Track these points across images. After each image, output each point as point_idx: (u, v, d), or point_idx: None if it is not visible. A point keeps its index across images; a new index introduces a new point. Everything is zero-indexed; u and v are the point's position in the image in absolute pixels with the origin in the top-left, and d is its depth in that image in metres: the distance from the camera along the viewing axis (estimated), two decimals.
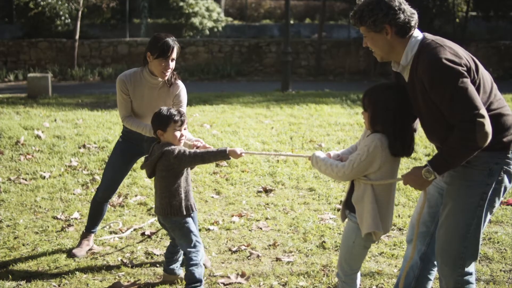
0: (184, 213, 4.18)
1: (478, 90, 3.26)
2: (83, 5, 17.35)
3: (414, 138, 3.56)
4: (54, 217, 5.79)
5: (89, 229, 5.13)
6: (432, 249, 3.75)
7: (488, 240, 5.21)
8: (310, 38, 22.55)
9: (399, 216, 5.86)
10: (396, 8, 3.36)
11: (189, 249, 4.17)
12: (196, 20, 22.22)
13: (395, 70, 3.57)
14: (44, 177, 6.97)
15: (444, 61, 3.19)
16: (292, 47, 19.74)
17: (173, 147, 4.08)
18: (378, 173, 3.47)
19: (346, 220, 3.72)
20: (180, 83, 4.86)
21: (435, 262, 3.78)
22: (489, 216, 3.48)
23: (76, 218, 5.75)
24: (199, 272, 4.12)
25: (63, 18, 19.27)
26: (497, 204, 3.46)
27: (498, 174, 3.36)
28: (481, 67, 3.36)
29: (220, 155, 4.10)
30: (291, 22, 26.77)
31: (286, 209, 6.04)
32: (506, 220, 5.65)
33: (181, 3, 22.32)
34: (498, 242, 5.16)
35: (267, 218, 5.79)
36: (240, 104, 12.77)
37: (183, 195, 4.18)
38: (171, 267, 4.45)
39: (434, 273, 3.88)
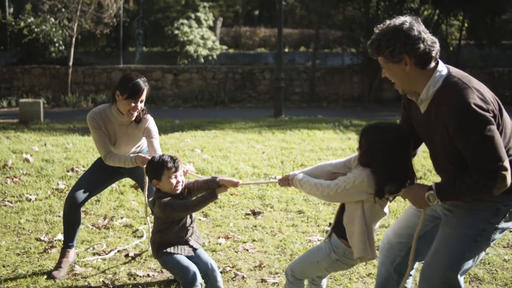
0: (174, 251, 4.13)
1: (500, 134, 3.15)
2: (77, 32, 17.37)
3: (413, 172, 3.45)
4: (37, 239, 5.68)
5: (66, 243, 4.98)
6: (407, 261, 3.69)
7: (479, 262, 5.09)
8: (304, 65, 22.58)
9: None
10: (415, 37, 3.17)
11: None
12: (191, 48, 22.30)
13: (410, 98, 3.41)
14: (30, 200, 6.87)
15: (473, 106, 3.03)
16: (286, 74, 19.80)
17: (164, 200, 3.97)
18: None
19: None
20: (147, 116, 4.83)
21: (411, 273, 3.78)
22: (482, 254, 3.38)
23: (60, 240, 5.63)
24: None
25: (57, 44, 19.31)
26: (491, 243, 3.37)
27: (504, 216, 3.28)
28: (504, 111, 3.25)
29: (211, 198, 3.99)
30: (286, 50, 26.89)
31: (274, 231, 5.94)
32: (497, 242, 5.56)
33: (176, 31, 22.43)
34: (489, 263, 5.06)
35: (254, 240, 5.69)
36: (232, 129, 12.73)
37: (171, 235, 4.11)
38: None
39: (410, 282, 3.83)
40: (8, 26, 19.97)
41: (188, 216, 4.13)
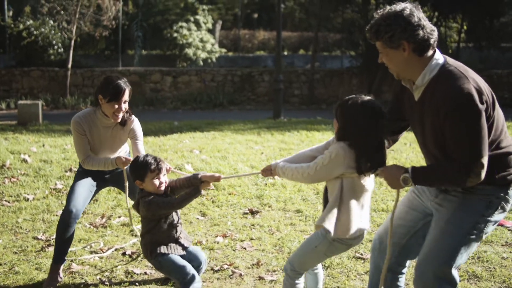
0: (169, 252, 4.10)
1: (491, 127, 3.18)
2: (76, 34, 17.38)
3: (384, 155, 3.51)
4: (35, 238, 5.66)
5: (58, 259, 4.68)
6: (400, 261, 3.72)
7: (477, 259, 5.09)
8: (303, 68, 22.59)
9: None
10: (415, 23, 3.17)
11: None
12: (190, 51, 22.31)
13: (405, 84, 3.42)
14: (27, 199, 6.85)
15: (467, 95, 3.04)
16: (285, 76, 19.80)
17: (148, 198, 3.98)
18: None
19: None
20: (133, 117, 4.83)
21: (403, 271, 3.78)
22: (475, 247, 3.39)
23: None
24: None
25: (56, 47, 19.31)
26: (484, 236, 3.38)
27: (496, 208, 3.30)
28: (497, 103, 3.25)
29: (195, 194, 3.99)
30: (285, 53, 26.92)
31: (272, 230, 5.92)
32: (496, 240, 5.55)
33: (175, 34, 22.43)
34: (487, 261, 5.05)
35: (251, 239, 5.67)
36: (231, 131, 12.71)
37: (163, 235, 4.10)
38: None
39: (403, 280, 3.82)
40: (7, 29, 19.98)
41: (174, 214, 4.12)
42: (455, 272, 3.33)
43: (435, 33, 3.24)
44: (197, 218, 6.30)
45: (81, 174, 4.90)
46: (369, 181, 3.57)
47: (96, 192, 4.98)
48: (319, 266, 3.94)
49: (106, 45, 23.31)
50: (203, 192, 4.02)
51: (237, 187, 7.47)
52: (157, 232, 4.05)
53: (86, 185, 4.82)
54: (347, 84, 21.08)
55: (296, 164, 3.64)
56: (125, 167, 4.74)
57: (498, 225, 5.89)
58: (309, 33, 28.68)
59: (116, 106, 4.57)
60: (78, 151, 4.74)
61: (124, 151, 5.05)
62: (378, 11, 3.32)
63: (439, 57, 3.27)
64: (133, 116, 4.83)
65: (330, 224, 3.47)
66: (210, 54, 23.48)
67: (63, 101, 18.71)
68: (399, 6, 3.23)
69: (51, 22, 18.69)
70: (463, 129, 3.07)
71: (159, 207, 3.95)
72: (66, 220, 4.63)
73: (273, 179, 7.80)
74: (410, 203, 3.68)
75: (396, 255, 3.70)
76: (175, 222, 4.12)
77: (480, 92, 3.09)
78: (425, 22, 3.21)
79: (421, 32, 3.18)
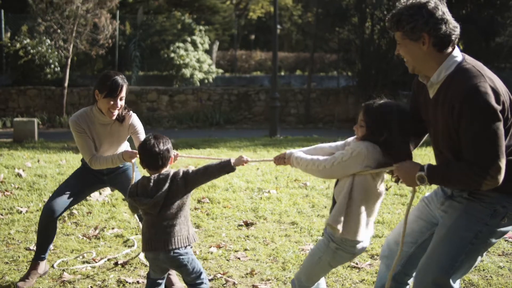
0: (189, 243, 3.82)
1: (508, 130, 3.06)
2: (72, 53, 17.41)
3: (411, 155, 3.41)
4: (27, 248, 5.60)
5: (39, 254, 4.80)
6: (407, 270, 3.62)
7: (473, 268, 5.03)
8: (300, 88, 22.62)
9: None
10: (439, 17, 3.08)
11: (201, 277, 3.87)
12: (187, 72, 22.32)
13: (421, 80, 3.33)
14: (20, 212, 6.80)
15: (483, 94, 2.93)
16: (282, 95, 19.82)
17: (175, 170, 3.75)
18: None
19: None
20: (131, 113, 4.75)
21: (408, 282, 3.67)
22: (479, 258, 3.26)
23: (49, 249, 5.55)
24: None
25: (52, 66, 19.32)
26: (489, 246, 3.26)
27: (502, 218, 3.16)
28: None
29: (225, 167, 3.80)
30: (282, 73, 26.98)
31: (266, 241, 5.87)
32: (492, 250, 5.50)
33: (172, 54, 22.46)
34: (483, 270, 5.00)
35: (246, 249, 5.62)
36: (227, 148, 12.69)
37: (188, 224, 3.81)
38: None
39: None
40: (4, 48, 20.01)
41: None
42: (454, 285, 3.21)
43: (458, 30, 3.15)
44: None
45: (79, 171, 4.91)
46: (382, 186, 3.48)
47: (93, 190, 4.99)
48: (322, 280, 3.81)
49: (104, 66, 23.31)
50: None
51: (232, 201, 7.43)
52: (187, 215, 3.79)
53: (76, 186, 4.81)
54: (343, 103, 21.08)
55: (311, 156, 3.55)
56: (133, 161, 4.64)
57: None
58: (306, 54, 28.77)
59: (112, 102, 4.50)
60: (83, 151, 4.67)
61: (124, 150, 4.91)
62: (402, 0, 3.21)
63: (458, 55, 3.17)
64: (131, 111, 4.75)
65: (338, 223, 3.37)
66: (207, 75, 23.49)
67: (60, 120, 18.67)
68: None
69: (48, 41, 18.73)
70: (478, 130, 2.94)
71: (189, 174, 3.70)
72: (45, 216, 4.71)
73: (268, 193, 7.77)
74: (419, 212, 3.59)
75: (403, 263, 3.61)
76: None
77: (496, 92, 2.98)
78: (449, 17, 3.12)
79: (443, 27, 3.09)
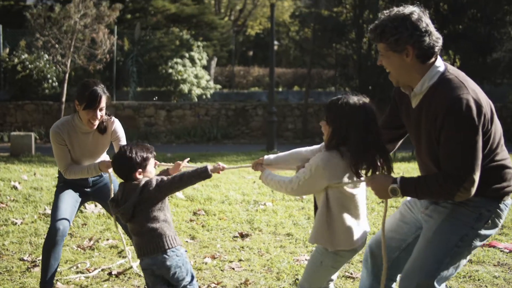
0: (180, 245, 3.78)
1: (488, 140, 3.10)
2: (70, 68, 17.43)
3: (387, 158, 3.35)
4: (21, 259, 5.57)
5: (46, 283, 4.52)
6: (391, 275, 3.61)
7: (468, 278, 5.03)
8: (297, 103, 22.66)
9: None
10: (423, 29, 3.09)
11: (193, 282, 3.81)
12: (185, 87, 22.36)
13: (404, 91, 3.33)
14: (15, 223, 6.77)
15: (466, 107, 2.96)
16: (279, 110, 19.85)
17: (149, 178, 3.70)
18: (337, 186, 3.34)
19: None
20: (113, 119, 4.69)
21: (392, 286, 3.68)
22: (463, 262, 3.29)
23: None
24: None
25: (50, 81, 19.35)
26: (472, 251, 3.30)
27: (486, 221, 3.21)
28: (495, 116, 3.18)
29: (201, 173, 3.72)
30: (280, 89, 27.05)
31: (261, 252, 5.85)
32: (488, 261, 5.49)
33: (170, 70, 22.52)
34: (478, 280, 4.98)
35: (240, 260, 5.60)
36: (224, 162, 12.67)
37: (172, 226, 3.78)
38: None
39: None
40: (2, 63, 20.04)
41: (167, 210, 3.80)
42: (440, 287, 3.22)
43: (440, 41, 3.16)
44: (186, 241, 6.23)
45: (62, 188, 4.73)
46: (359, 189, 3.43)
47: (80, 206, 4.83)
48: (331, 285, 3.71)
49: (102, 81, 23.24)
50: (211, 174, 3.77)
51: (228, 213, 7.42)
52: (169, 219, 3.75)
53: (70, 201, 4.68)
54: None
55: (279, 176, 3.54)
56: (110, 170, 4.57)
57: (490, 246, 5.85)
58: (304, 70, 28.87)
59: (91, 114, 4.43)
60: (58, 161, 4.61)
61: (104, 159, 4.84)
62: (385, 11, 3.22)
63: (440, 65, 3.19)
64: (113, 117, 4.70)
65: (324, 240, 3.37)
66: (205, 90, 23.53)
67: None
68: (407, 9, 3.15)
69: (46, 56, 18.77)
70: (457, 141, 2.98)
71: (163, 182, 3.65)
72: (53, 238, 4.49)
73: (264, 206, 7.76)
74: (401, 217, 3.60)
75: (388, 268, 3.58)
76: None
77: (478, 104, 3.00)
78: (432, 28, 3.14)
79: (427, 39, 3.10)
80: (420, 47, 3.10)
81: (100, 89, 4.46)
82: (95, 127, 4.56)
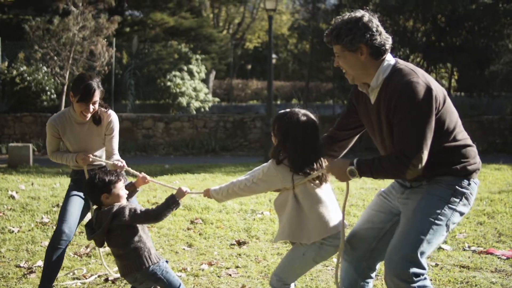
0: (159, 259, 3.84)
1: (443, 121, 3.35)
2: (68, 80, 17.46)
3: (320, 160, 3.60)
4: (17, 266, 5.57)
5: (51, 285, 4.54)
6: (370, 264, 3.76)
7: (466, 284, 5.02)
8: None
9: None
10: (374, 29, 3.39)
11: None
12: (183, 100, 22.41)
13: (361, 90, 3.58)
14: (12, 232, 6.76)
15: (416, 88, 3.24)
16: None
17: (121, 206, 3.73)
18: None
19: None
20: (109, 111, 4.75)
21: (372, 275, 3.81)
22: (442, 239, 3.46)
23: (39, 266, 5.52)
24: None
25: (48, 93, 19.38)
26: (452, 228, 3.47)
27: (461, 198, 3.42)
28: (448, 100, 3.41)
29: (172, 205, 3.78)
30: (278, 102, 27.11)
31: (258, 259, 5.84)
32: (485, 267, 5.48)
33: (169, 83, 22.57)
34: (476, 286, 4.97)
35: (237, 266, 5.59)
36: (222, 173, 12.70)
37: (148, 244, 3.83)
38: None
39: (371, 285, 3.86)
40: (0, 75, 20.08)
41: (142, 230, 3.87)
42: (423, 260, 3.36)
43: (390, 40, 3.47)
44: (183, 249, 6.22)
45: (72, 188, 4.80)
46: (326, 187, 3.64)
47: (88, 207, 4.80)
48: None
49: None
50: (180, 203, 3.86)
51: (225, 221, 7.41)
52: (143, 238, 3.81)
53: (77, 204, 4.71)
54: None
55: (228, 183, 3.72)
56: (85, 166, 4.65)
57: (487, 253, 5.86)
58: (302, 83, 28.98)
59: (84, 107, 4.53)
60: (48, 146, 4.79)
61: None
62: (338, 17, 3.50)
63: (390, 59, 3.48)
64: (109, 110, 4.76)
65: (300, 237, 3.53)
66: (204, 103, 23.59)
67: None
68: (358, 13, 3.46)
69: (45, 68, 18.81)
70: (408, 121, 3.24)
71: (136, 215, 3.70)
72: (58, 241, 4.49)
73: (262, 215, 7.76)
74: (377, 206, 3.77)
75: (367, 258, 3.74)
76: (148, 237, 3.94)
77: (428, 87, 3.26)
78: (382, 29, 3.44)
79: (378, 38, 3.40)
80: (372, 45, 3.39)
81: (95, 83, 4.54)
82: (87, 118, 4.64)
